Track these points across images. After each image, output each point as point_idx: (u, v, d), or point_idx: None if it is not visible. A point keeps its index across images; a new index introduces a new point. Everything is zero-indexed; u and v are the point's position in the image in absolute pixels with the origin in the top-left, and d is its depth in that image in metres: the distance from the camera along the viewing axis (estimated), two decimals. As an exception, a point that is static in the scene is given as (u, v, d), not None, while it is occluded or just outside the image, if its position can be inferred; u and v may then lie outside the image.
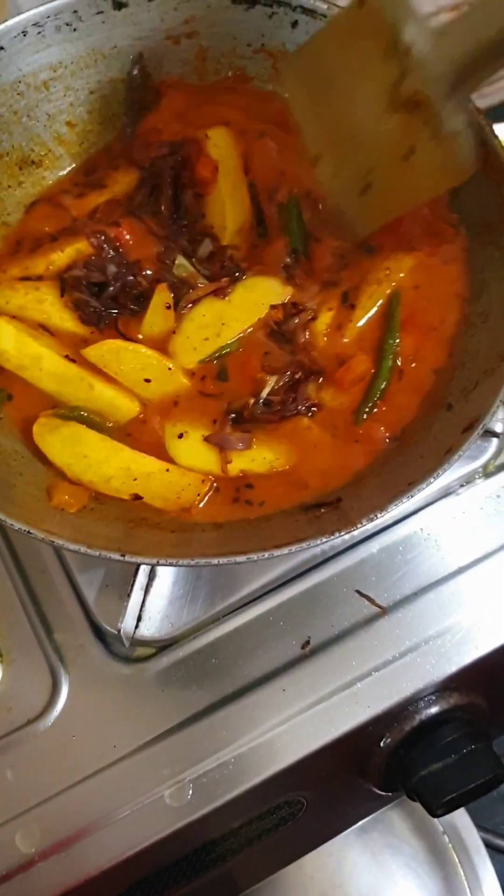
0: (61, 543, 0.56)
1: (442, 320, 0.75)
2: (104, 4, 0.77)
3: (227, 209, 0.78)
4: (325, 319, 0.75)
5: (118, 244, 0.76)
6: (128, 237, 0.76)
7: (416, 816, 0.97)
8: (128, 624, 0.75)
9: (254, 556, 0.56)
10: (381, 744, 0.76)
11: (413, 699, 0.75)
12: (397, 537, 0.80)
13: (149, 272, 0.75)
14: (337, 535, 0.57)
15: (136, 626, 0.76)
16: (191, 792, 0.72)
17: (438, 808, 0.75)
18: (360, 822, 0.89)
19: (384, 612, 0.77)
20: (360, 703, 0.74)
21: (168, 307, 0.73)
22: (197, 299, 0.75)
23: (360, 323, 0.75)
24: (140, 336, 0.73)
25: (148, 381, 0.72)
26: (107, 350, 0.71)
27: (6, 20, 0.76)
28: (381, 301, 0.75)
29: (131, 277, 0.74)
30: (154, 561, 0.56)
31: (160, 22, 0.79)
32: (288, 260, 0.76)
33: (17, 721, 0.75)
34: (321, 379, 0.72)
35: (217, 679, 0.75)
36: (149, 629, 0.76)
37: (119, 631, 0.74)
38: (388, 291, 0.75)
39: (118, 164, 0.81)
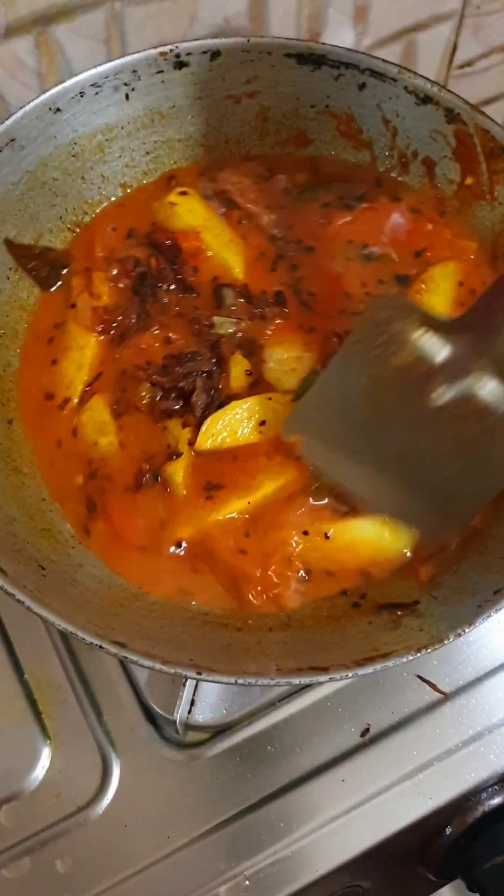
0: (135, 659, 0.53)
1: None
2: (164, 64, 0.73)
3: (227, 254, 0.75)
4: None
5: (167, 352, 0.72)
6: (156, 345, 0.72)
7: (465, 891, 0.95)
8: (182, 711, 0.72)
9: (336, 675, 0.54)
10: (443, 835, 0.74)
11: (476, 790, 0.73)
12: (459, 619, 0.77)
13: (191, 353, 0.71)
14: (423, 652, 0.54)
15: (190, 711, 0.73)
16: (247, 887, 0.70)
17: (501, 903, 0.72)
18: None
19: (446, 698, 0.75)
20: (421, 794, 0.72)
21: (249, 373, 0.70)
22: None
23: None
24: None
25: (263, 422, 0.68)
26: (216, 425, 0.67)
27: (61, 79, 0.73)
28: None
29: (192, 364, 0.70)
30: (232, 680, 0.53)
31: (221, 81, 0.75)
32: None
33: (67, 808, 0.72)
34: None
35: (273, 767, 0.73)
36: (202, 714, 0.74)
37: (176, 718, 0.71)
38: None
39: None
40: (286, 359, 0.71)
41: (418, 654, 0.54)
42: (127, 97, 0.74)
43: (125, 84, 0.74)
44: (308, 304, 0.73)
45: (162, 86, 0.75)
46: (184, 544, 0.66)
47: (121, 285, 0.74)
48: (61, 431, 0.70)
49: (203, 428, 0.67)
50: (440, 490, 0.62)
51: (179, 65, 0.74)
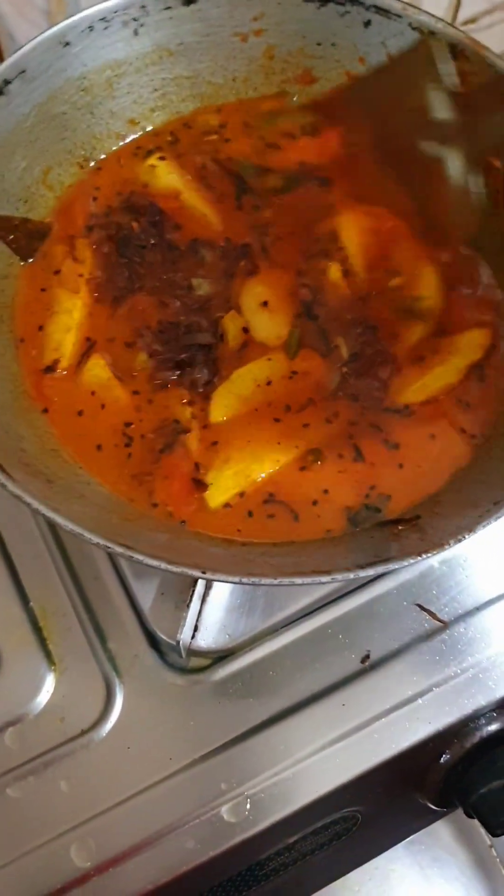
0: (141, 559, 0.55)
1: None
2: (173, 0, 0.75)
3: (206, 211, 0.78)
4: (335, 271, 0.75)
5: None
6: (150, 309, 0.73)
7: (463, 828, 0.96)
8: (185, 634, 0.73)
9: (338, 576, 0.55)
10: (441, 760, 0.75)
11: (474, 716, 0.74)
12: (459, 550, 0.78)
13: (189, 324, 0.72)
14: (424, 556, 0.56)
15: (193, 637, 0.74)
16: (248, 807, 0.71)
17: (498, 826, 0.73)
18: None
19: (446, 626, 0.76)
20: (420, 719, 0.73)
21: (245, 330, 0.72)
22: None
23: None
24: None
25: (269, 382, 0.71)
26: (226, 397, 0.69)
27: (68, 16, 0.74)
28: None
29: (191, 336, 0.72)
30: (237, 579, 0.55)
31: (229, 18, 0.77)
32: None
33: (71, 731, 0.73)
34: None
35: (274, 692, 0.74)
36: (205, 640, 0.75)
37: (178, 642, 0.72)
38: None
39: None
40: (268, 312, 0.74)
41: (419, 558, 0.55)
42: (136, 33, 0.76)
43: (134, 19, 0.75)
44: (270, 252, 0.76)
45: (170, 22, 0.76)
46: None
47: (104, 250, 0.75)
48: (72, 402, 0.71)
49: (214, 401, 0.69)
50: None
51: (188, 1, 0.75)
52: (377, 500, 0.66)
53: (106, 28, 0.74)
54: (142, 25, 0.75)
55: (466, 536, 0.56)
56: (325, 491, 0.67)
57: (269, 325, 0.73)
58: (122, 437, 0.68)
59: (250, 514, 0.66)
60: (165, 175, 0.78)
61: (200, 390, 0.70)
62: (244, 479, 0.67)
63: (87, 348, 0.71)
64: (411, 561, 0.55)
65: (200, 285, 0.74)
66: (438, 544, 0.56)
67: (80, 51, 0.74)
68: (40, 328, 0.73)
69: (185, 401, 0.69)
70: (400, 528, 0.63)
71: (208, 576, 0.55)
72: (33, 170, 0.75)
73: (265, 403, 0.70)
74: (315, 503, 0.67)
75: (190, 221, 0.77)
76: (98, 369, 0.70)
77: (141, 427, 0.69)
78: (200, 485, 0.67)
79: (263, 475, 0.67)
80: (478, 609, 0.76)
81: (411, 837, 0.91)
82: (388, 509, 0.65)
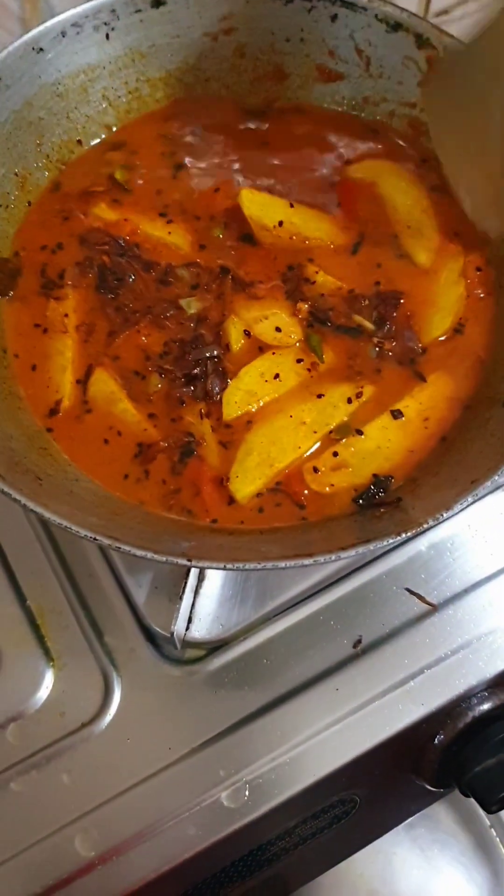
0: (128, 549, 0.56)
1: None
2: (142, 3, 0.76)
3: (162, 234, 0.78)
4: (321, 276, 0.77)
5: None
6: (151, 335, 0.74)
7: (463, 811, 0.97)
8: (179, 626, 0.75)
9: (321, 559, 0.56)
10: (435, 741, 0.76)
11: (466, 696, 0.75)
12: (445, 534, 0.79)
13: (194, 338, 0.74)
14: (403, 535, 0.57)
15: (187, 628, 0.76)
16: (247, 793, 0.72)
17: (493, 803, 0.75)
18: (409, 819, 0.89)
19: (435, 609, 0.77)
20: (413, 701, 0.74)
21: (247, 333, 0.73)
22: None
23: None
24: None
25: (277, 376, 0.72)
26: (236, 395, 0.71)
27: (43, 22, 0.75)
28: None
29: (199, 350, 0.73)
30: (221, 566, 0.56)
31: (198, 19, 0.78)
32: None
33: (71, 725, 0.75)
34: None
35: (269, 680, 0.75)
36: (199, 631, 0.76)
37: (172, 634, 0.74)
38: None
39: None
40: (263, 315, 0.75)
41: (398, 538, 0.57)
42: (107, 37, 0.77)
43: (105, 24, 0.76)
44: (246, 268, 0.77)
45: (141, 25, 0.77)
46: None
47: (84, 285, 0.76)
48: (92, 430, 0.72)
49: (224, 399, 0.70)
50: None
51: (157, 3, 0.76)
52: (384, 479, 0.67)
53: (78, 33, 0.76)
54: (113, 29, 0.77)
55: (444, 514, 0.57)
56: (341, 470, 0.68)
57: (279, 336, 0.74)
58: (139, 465, 0.70)
59: (261, 509, 0.68)
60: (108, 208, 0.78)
61: (216, 399, 0.71)
62: (268, 468, 0.68)
63: (88, 369, 0.72)
64: (391, 540, 0.57)
65: (190, 304, 0.75)
66: (417, 523, 0.57)
67: (53, 57, 0.75)
68: (33, 367, 0.74)
69: (203, 412, 0.71)
70: (382, 510, 0.64)
71: (193, 563, 0.56)
72: (10, 176, 0.76)
73: (281, 394, 0.72)
74: (330, 485, 0.68)
75: (156, 247, 0.78)
76: (101, 384, 0.71)
77: (156, 447, 0.70)
78: (225, 481, 0.68)
79: (287, 462, 0.69)
80: (466, 591, 0.77)
81: (412, 821, 0.92)
82: (391, 487, 0.67)
